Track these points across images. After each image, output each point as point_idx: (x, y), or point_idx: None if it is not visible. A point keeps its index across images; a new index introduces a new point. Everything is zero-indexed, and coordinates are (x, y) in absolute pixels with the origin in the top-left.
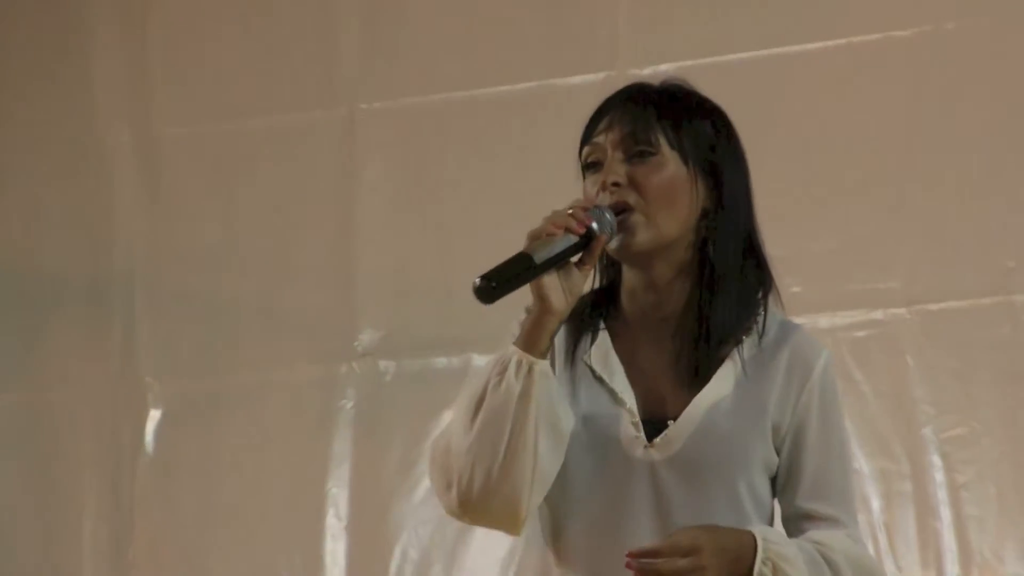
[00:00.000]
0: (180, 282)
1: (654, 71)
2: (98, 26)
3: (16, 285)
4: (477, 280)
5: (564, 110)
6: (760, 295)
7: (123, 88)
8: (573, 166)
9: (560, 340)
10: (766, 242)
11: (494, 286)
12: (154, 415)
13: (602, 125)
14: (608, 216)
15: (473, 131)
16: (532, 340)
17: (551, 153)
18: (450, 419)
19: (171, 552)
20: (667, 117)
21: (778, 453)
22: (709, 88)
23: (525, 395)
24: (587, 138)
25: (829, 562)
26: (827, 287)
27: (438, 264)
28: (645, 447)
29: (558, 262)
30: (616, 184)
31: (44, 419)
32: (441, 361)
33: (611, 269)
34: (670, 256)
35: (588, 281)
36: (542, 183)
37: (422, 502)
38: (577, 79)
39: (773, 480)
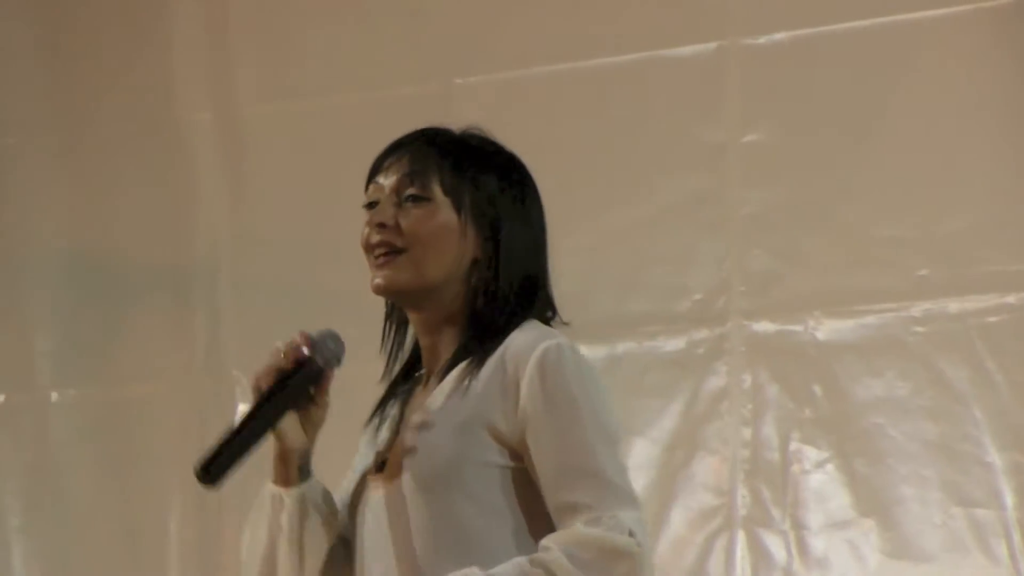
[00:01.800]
0: (267, 270)
1: (768, 40)
2: (178, 2)
3: (96, 277)
4: (198, 468)
5: (673, 82)
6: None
7: (204, 65)
8: (683, 140)
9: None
10: (893, 223)
11: (210, 470)
12: (242, 410)
13: (385, 164)
14: (329, 341)
15: (577, 106)
16: (282, 477)
17: (659, 127)
18: None
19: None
20: (446, 164)
21: (516, 455)
22: (825, 58)
23: (279, 529)
24: (370, 177)
25: (541, 564)
26: (956, 270)
27: None
28: (374, 479)
29: (276, 420)
30: (383, 225)
31: (128, 415)
32: None
33: (397, 341)
34: (437, 300)
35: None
36: (650, 158)
37: None
38: (686, 50)
39: (518, 478)
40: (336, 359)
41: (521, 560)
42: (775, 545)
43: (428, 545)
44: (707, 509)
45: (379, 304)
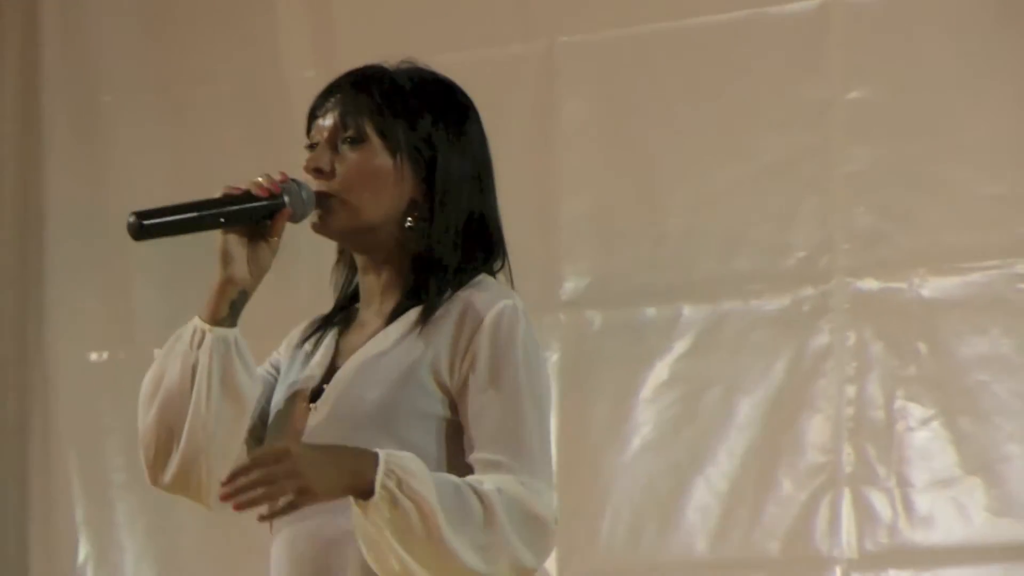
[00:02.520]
0: None
1: None
2: None
3: (199, 235)
4: (131, 216)
5: (777, 40)
6: (473, 271)
7: (308, 22)
8: (786, 97)
9: (295, 337)
10: (997, 179)
11: (143, 224)
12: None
13: (323, 108)
14: (304, 193)
15: (681, 64)
16: (213, 309)
17: (763, 86)
18: None
19: None
20: (380, 105)
21: (454, 409)
22: (928, 14)
23: (198, 364)
24: (310, 118)
25: (478, 493)
26: None
27: (645, 207)
28: (306, 411)
29: (231, 221)
30: (319, 170)
31: None
32: (650, 311)
33: (352, 273)
34: (376, 241)
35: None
36: (753, 116)
37: (633, 458)
38: (791, 7)
39: (452, 433)
40: (301, 209)
41: (458, 480)
42: (880, 503)
43: None
44: (812, 467)
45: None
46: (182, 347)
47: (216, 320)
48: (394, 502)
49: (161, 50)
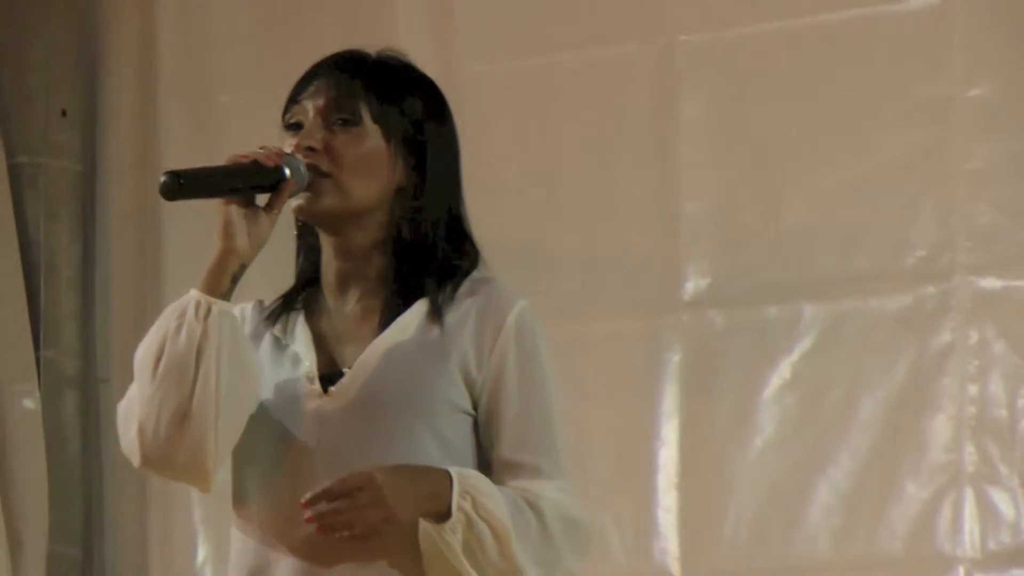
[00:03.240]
0: (491, 229)
1: None
2: None
3: None
4: (163, 176)
5: (897, 38)
6: (460, 264)
7: (426, 22)
8: (906, 95)
9: (251, 320)
10: None
11: (181, 183)
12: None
13: (310, 88)
14: (302, 168)
15: (800, 62)
16: (213, 281)
17: (883, 84)
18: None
19: None
20: (375, 90)
21: (476, 406)
22: None
23: (205, 337)
24: (293, 98)
25: (533, 507)
26: None
27: (766, 206)
28: (320, 398)
29: (245, 190)
30: (311, 149)
31: None
32: (772, 311)
33: (311, 252)
34: (361, 226)
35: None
36: (873, 113)
37: (756, 458)
38: (911, 4)
39: (477, 432)
40: (300, 183)
41: (507, 490)
42: (1003, 502)
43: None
44: (935, 467)
45: (606, 261)
46: (187, 319)
47: (219, 293)
48: (470, 524)
49: (278, 50)
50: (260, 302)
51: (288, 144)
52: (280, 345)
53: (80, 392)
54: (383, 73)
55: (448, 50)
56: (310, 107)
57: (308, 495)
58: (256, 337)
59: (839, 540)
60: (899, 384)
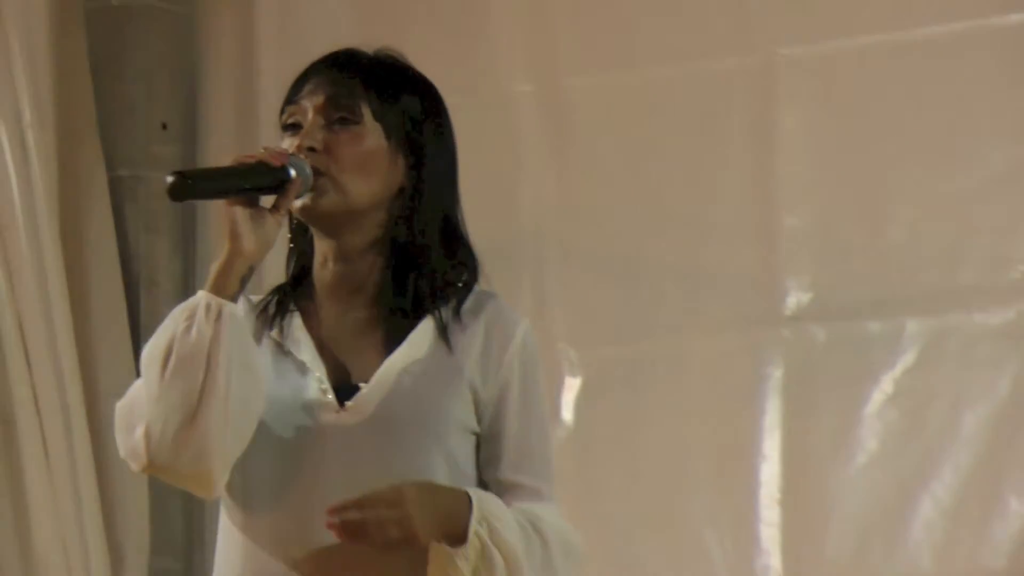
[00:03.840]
0: (591, 242)
1: None
2: None
3: None
4: (170, 176)
5: (1000, 51)
6: (460, 275)
7: (525, 35)
8: (1008, 109)
9: (248, 320)
10: None
11: (189, 183)
12: (571, 384)
13: (307, 88)
14: (307, 168)
15: (902, 76)
16: (220, 283)
17: (986, 98)
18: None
19: (591, 527)
20: (374, 88)
21: (479, 423)
22: None
23: (215, 340)
24: (290, 99)
25: (539, 532)
26: None
27: (868, 220)
28: (337, 412)
29: (251, 191)
30: (312, 149)
31: None
32: (874, 325)
33: (302, 256)
34: (360, 226)
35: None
36: (975, 128)
37: (859, 473)
38: (1015, 17)
39: (477, 451)
40: (305, 185)
41: (516, 513)
42: None
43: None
44: None
45: (707, 276)
46: (197, 321)
47: (227, 295)
48: (483, 551)
49: None
50: (248, 299)
51: (286, 145)
52: (282, 350)
53: None
54: (382, 71)
55: (546, 64)
56: (308, 106)
57: (336, 505)
58: (255, 339)
59: (941, 556)
60: (1002, 399)
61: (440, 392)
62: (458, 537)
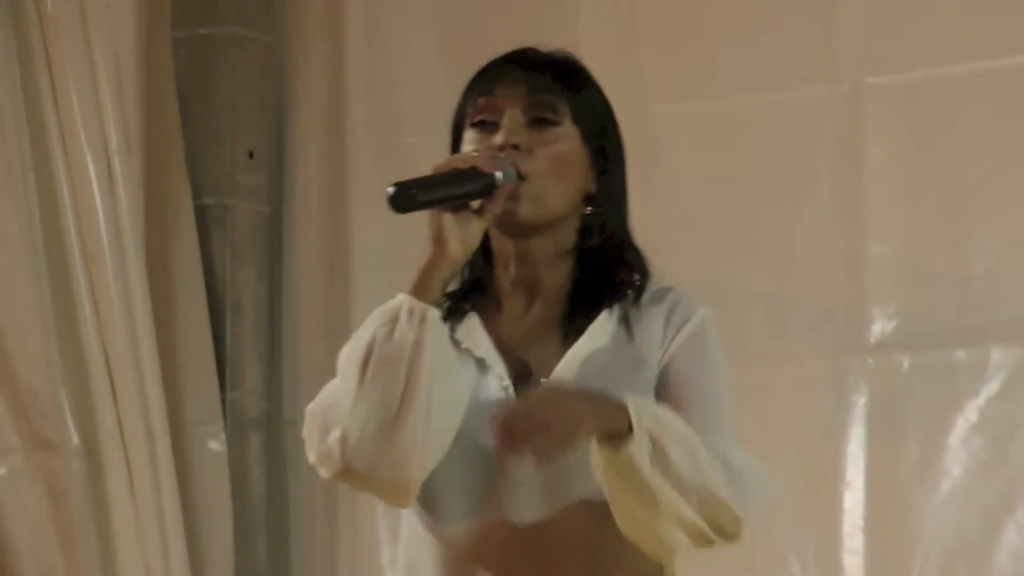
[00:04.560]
0: (677, 270)
1: None
2: None
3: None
4: (391, 188)
5: None
6: (643, 280)
7: (610, 63)
8: None
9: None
10: None
11: (413, 192)
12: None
13: (502, 83)
14: (511, 169)
15: (989, 104)
16: (424, 287)
17: None
18: (332, 382)
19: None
20: (578, 90)
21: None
22: None
23: (418, 344)
24: (482, 91)
25: (717, 454)
26: None
27: (953, 248)
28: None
29: (463, 196)
30: (515, 147)
31: None
32: (959, 354)
33: (479, 261)
34: (553, 233)
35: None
36: None
37: (943, 501)
38: None
39: None
40: (513, 182)
41: (707, 442)
42: None
43: (568, 485)
44: None
45: (793, 304)
46: (399, 325)
47: (430, 299)
48: (654, 439)
49: (459, 92)
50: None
51: (471, 142)
52: (460, 349)
53: (265, 434)
54: (571, 71)
55: (633, 90)
56: (505, 103)
57: (498, 416)
58: None
59: None
60: None
61: (625, 379)
62: (620, 435)
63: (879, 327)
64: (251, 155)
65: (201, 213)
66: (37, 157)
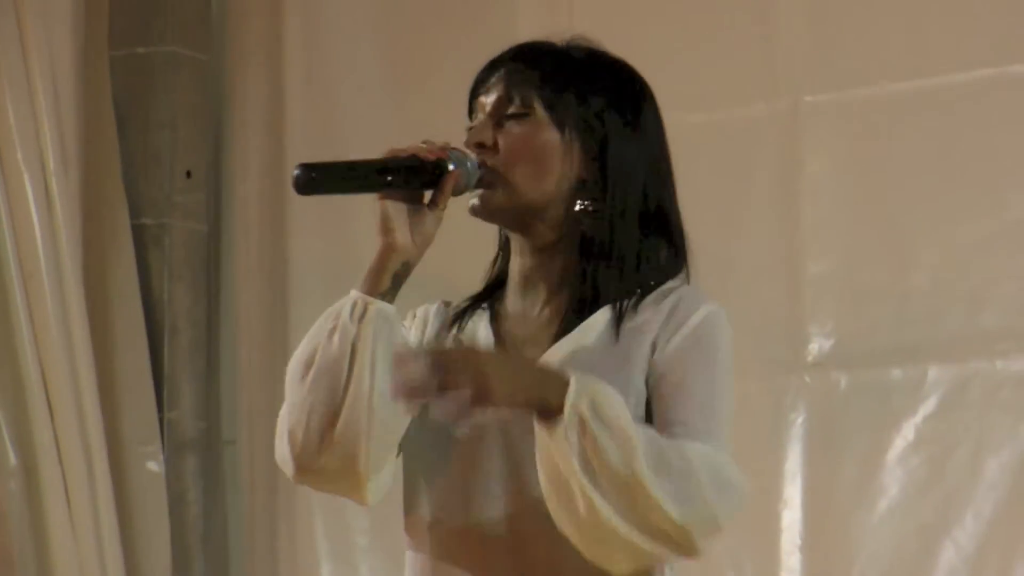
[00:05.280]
0: None
1: None
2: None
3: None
4: (297, 168)
5: (1021, 98)
6: (655, 267)
7: None
8: None
9: (434, 325)
10: None
11: (313, 176)
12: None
13: (488, 83)
14: (470, 163)
15: (926, 122)
16: (372, 280)
17: (1008, 142)
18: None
19: None
20: (552, 79)
21: (649, 398)
22: None
23: (359, 338)
24: (473, 94)
25: (678, 450)
26: None
27: (892, 266)
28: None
29: (396, 183)
30: (481, 144)
31: None
32: (896, 372)
33: (503, 258)
34: (541, 221)
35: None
36: (999, 173)
37: (881, 520)
38: None
39: None
40: (466, 177)
41: (656, 435)
42: None
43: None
44: None
45: (731, 322)
46: (341, 321)
47: (378, 292)
48: (584, 426)
49: (405, 111)
50: (447, 304)
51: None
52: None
53: (203, 454)
54: (563, 61)
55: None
56: (486, 102)
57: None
58: (437, 340)
59: None
60: None
61: (603, 378)
62: (552, 411)
63: (816, 345)
64: (188, 174)
65: (139, 232)
66: None
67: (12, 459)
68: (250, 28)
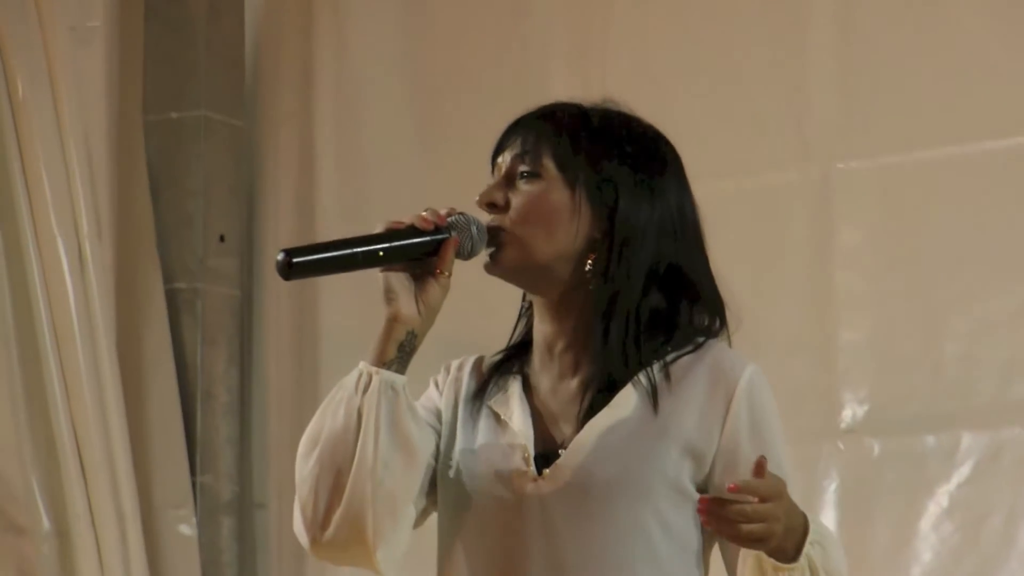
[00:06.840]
0: None
1: None
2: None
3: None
4: (280, 253)
5: None
6: (683, 329)
7: None
8: None
9: (469, 385)
10: None
11: (292, 261)
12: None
13: (508, 143)
14: (474, 228)
15: (959, 189)
16: (377, 350)
17: None
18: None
19: None
20: (566, 138)
21: (708, 480)
22: None
23: (362, 410)
24: (495, 154)
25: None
26: None
27: (924, 334)
28: (534, 481)
29: (391, 257)
30: (492, 204)
31: None
32: (930, 439)
33: (528, 318)
34: (552, 280)
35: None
36: None
37: None
38: None
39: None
40: (470, 243)
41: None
42: None
43: (605, 556)
44: None
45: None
46: (346, 393)
47: (383, 363)
48: (813, 574)
49: (434, 173)
50: (481, 359)
51: None
52: (500, 420)
53: (236, 517)
54: (581, 121)
55: None
56: (501, 164)
57: (738, 483)
58: (475, 407)
59: None
60: None
61: (643, 451)
62: (786, 553)
63: (850, 412)
64: (222, 239)
65: (172, 297)
66: (8, 240)
67: (45, 523)
68: (282, 94)
